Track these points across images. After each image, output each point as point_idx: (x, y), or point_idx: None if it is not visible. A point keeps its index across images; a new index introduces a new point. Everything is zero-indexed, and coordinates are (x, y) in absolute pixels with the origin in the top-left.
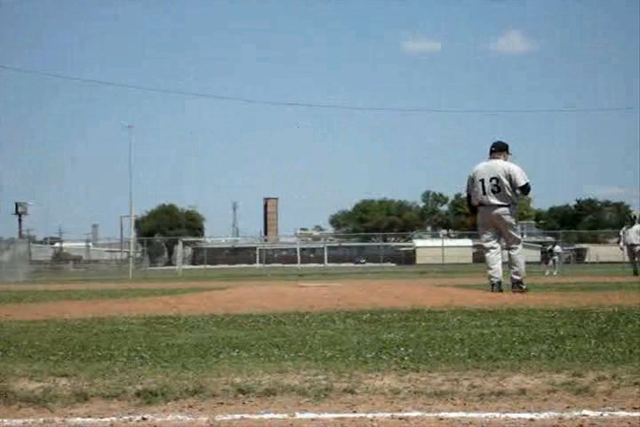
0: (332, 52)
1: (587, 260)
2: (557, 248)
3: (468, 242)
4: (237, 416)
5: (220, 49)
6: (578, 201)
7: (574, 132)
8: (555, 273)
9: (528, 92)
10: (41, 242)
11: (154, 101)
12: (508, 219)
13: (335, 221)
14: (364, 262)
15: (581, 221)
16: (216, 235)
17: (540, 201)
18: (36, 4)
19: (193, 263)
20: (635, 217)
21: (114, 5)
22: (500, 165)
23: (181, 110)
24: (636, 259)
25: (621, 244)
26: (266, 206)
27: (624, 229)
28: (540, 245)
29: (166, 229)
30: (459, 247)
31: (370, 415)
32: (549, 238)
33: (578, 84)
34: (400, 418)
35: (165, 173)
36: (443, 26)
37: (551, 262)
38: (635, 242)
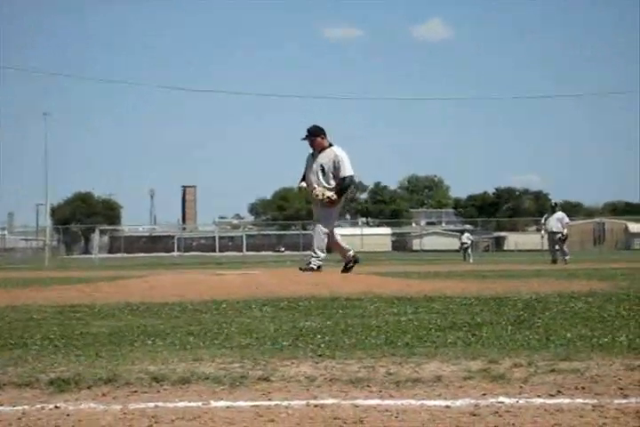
0: (249, 38)
1: (505, 248)
2: (464, 237)
3: (386, 230)
4: (151, 405)
5: (134, 33)
6: (496, 189)
7: (492, 119)
8: (470, 261)
9: (445, 79)
10: None
11: (69, 88)
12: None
13: (254, 210)
14: (283, 251)
15: (500, 209)
16: (133, 223)
17: (459, 189)
18: None
19: (110, 252)
20: (556, 205)
21: None
22: (333, 152)
23: (98, 97)
24: (557, 247)
25: (542, 231)
26: (184, 194)
27: (545, 216)
28: (458, 233)
29: (82, 218)
30: (377, 235)
31: (285, 403)
32: (468, 226)
33: (493, 72)
34: (315, 406)
35: (81, 161)
36: (364, 12)
37: (462, 252)
38: (555, 229)
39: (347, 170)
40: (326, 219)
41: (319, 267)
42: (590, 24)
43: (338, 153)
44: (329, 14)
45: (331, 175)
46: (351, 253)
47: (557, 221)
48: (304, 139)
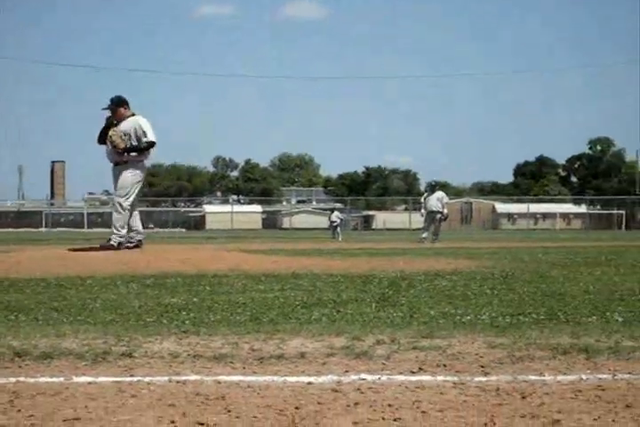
0: (120, 15)
1: (374, 226)
2: (334, 216)
3: (257, 208)
4: (13, 380)
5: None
6: (366, 168)
7: (364, 99)
8: (339, 239)
9: (319, 57)
10: None
11: None
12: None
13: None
14: (152, 228)
15: (370, 189)
16: (1, 198)
17: (329, 167)
18: None
19: None
20: (436, 184)
21: None
22: (136, 120)
23: None
24: (436, 224)
25: (422, 210)
26: (52, 170)
27: (425, 195)
28: (328, 212)
29: None
30: (248, 213)
31: (147, 379)
32: (338, 205)
33: (364, 51)
34: (177, 382)
35: None
36: None
37: (332, 230)
38: (435, 209)
39: (150, 136)
40: (125, 189)
41: (120, 244)
42: None
43: (141, 122)
44: None
45: (134, 142)
46: (140, 237)
47: (437, 200)
48: (106, 108)
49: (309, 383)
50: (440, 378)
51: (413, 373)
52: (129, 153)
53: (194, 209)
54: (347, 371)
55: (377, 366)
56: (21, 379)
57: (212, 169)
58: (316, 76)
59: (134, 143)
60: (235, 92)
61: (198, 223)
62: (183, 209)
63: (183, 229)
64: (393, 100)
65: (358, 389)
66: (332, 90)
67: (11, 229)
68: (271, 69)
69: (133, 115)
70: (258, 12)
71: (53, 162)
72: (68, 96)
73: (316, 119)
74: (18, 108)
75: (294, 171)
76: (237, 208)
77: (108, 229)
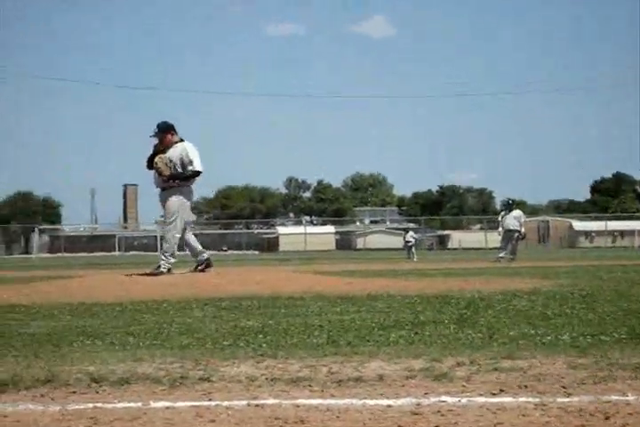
0: (191, 35)
1: (449, 246)
2: (408, 236)
3: (330, 229)
4: (90, 406)
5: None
6: (440, 187)
7: (432, 117)
8: (414, 259)
9: (391, 75)
10: None
11: (7, 86)
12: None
13: (197, 208)
14: (226, 250)
15: (444, 208)
16: (74, 222)
17: (402, 187)
18: None
19: (50, 251)
20: (513, 202)
21: None
22: (183, 147)
23: (33, 95)
24: (509, 245)
25: (499, 229)
26: (125, 193)
27: (502, 214)
28: (402, 232)
29: (22, 217)
30: (321, 234)
31: (225, 403)
32: (412, 225)
33: (434, 69)
34: (256, 405)
35: (21, 160)
36: (306, 9)
37: (406, 250)
38: (512, 227)
39: (196, 165)
40: (172, 216)
41: (169, 270)
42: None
43: (188, 149)
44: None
45: (180, 169)
46: (205, 255)
47: (515, 219)
48: (153, 135)
49: (389, 406)
50: (521, 399)
51: (494, 394)
52: (174, 180)
53: (267, 231)
54: (426, 393)
55: (457, 388)
56: (99, 405)
57: (284, 190)
58: (388, 95)
59: (180, 170)
60: (307, 112)
61: (271, 245)
62: (256, 231)
63: (256, 251)
64: (467, 116)
65: (438, 411)
66: (404, 108)
67: (84, 254)
68: (341, 89)
69: (181, 140)
70: (327, 30)
71: (126, 185)
72: (140, 119)
73: (387, 138)
74: (89, 131)
75: (367, 191)
76: (310, 229)
77: (179, 252)
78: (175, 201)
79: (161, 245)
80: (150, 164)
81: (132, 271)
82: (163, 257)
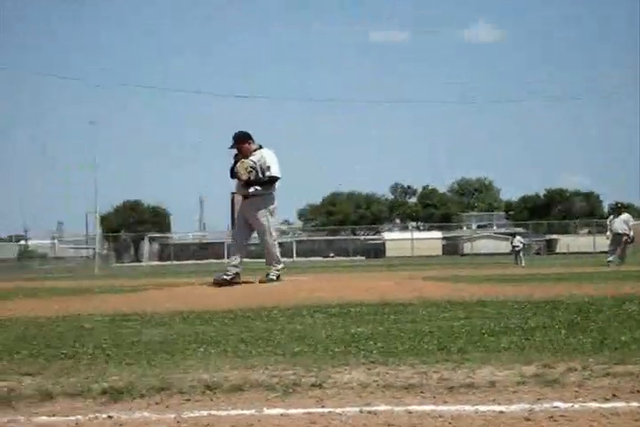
0: (295, 42)
1: (557, 250)
2: (516, 241)
3: (437, 234)
4: (204, 413)
5: (179, 39)
6: (547, 190)
7: (538, 120)
8: (522, 264)
9: (500, 80)
10: (5, 240)
11: (115, 96)
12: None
13: (303, 215)
14: (332, 256)
15: (552, 212)
16: (183, 230)
17: (510, 191)
18: None
19: (160, 259)
20: (621, 206)
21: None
22: (261, 154)
23: (144, 105)
24: (622, 247)
25: (608, 233)
26: (233, 201)
27: (610, 218)
28: (509, 237)
29: (132, 226)
30: (428, 240)
31: (338, 410)
32: (519, 229)
33: (548, 74)
34: (369, 412)
35: (130, 169)
36: (410, 15)
37: (514, 255)
38: (621, 231)
39: (274, 170)
40: (262, 225)
41: (278, 277)
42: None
43: (266, 155)
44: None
45: (260, 175)
46: (280, 266)
47: (624, 222)
48: (231, 147)
49: (501, 412)
50: (635, 404)
51: (607, 400)
52: (252, 185)
53: (373, 237)
54: (538, 399)
55: (569, 394)
56: (213, 412)
57: (390, 196)
58: (495, 100)
59: (260, 176)
60: (410, 119)
61: (378, 251)
62: (362, 237)
63: (363, 257)
64: (572, 119)
65: (551, 417)
66: (510, 112)
67: (194, 261)
68: (442, 95)
69: (260, 147)
70: (432, 38)
71: (233, 193)
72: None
73: (493, 142)
74: (196, 139)
75: (473, 195)
76: (417, 235)
77: (287, 259)
78: (263, 209)
79: (228, 254)
80: (232, 173)
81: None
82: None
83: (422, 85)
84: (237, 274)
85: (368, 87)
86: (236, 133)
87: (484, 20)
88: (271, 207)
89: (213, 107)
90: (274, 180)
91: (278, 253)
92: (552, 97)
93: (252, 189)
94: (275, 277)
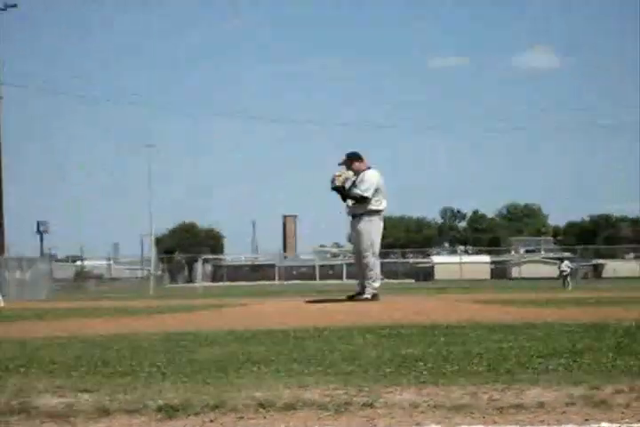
0: (354, 67)
1: (604, 275)
2: (564, 265)
3: (485, 258)
4: None
5: (231, 64)
6: (590, 217)
7: (588, 146)
8: (569, 288)
9: (548, 106)
10: (62, 260)
11: (170, 119)
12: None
13: None
14: (382, 279)
15: (598, 237)
16: (235, 252)
17: (556, 216)
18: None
19: (213, 280)
20: None
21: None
22: (363, 173)
23: (199, 128)
24: None
25: None
26: (284, 223)
27: None
28: (557, 261)
29: (187, 247)
30: (477, 263)
31: None
32: (567, 254)
33: (596, 100)
34: None
35: (185, 191)
36: (468, 41)
37: (562, 279)
38: None
39: (363, 189)
40: (365, 243)
41: (373, 296)
42: None
43: (367, 174)
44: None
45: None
46: (376, 284)
47: None
48: (341, 163)
49: None
50: None
51: None
52: (338, 193)
53: (422, 260)
54: (586, 420)
55: (616, 415)
56: None
57: (439, 220)
58: (542, 126)
59: (354, 189)
60: (466, 145)
61: (427, 274)
62: (412, 260)
63: (412, 280)
64: (624, 145)
65: None
66: (556, 137)
67: (245, 282)
68: (491, 122)
69: (369, 168)
70: (489, 63)
71: (285, 216)
72: (295, 150)
73: (540, 168)
74: (250, 163)
75: (522, 220)
76: (466, 258)
77: (337, 281)
78: (370, 227)
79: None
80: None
81: (296, 299)
82: (367, 283)
83: (474, 111)
84: (360, 294)
85: (418, 112)
86: (350, 152)
87: (541, 47)
88: (377, 226)
89: (261, 130)
90: (358, 197)
91: (378, 271)
92: (604, 125)
93: (350, 203)
94: (369, 296)
